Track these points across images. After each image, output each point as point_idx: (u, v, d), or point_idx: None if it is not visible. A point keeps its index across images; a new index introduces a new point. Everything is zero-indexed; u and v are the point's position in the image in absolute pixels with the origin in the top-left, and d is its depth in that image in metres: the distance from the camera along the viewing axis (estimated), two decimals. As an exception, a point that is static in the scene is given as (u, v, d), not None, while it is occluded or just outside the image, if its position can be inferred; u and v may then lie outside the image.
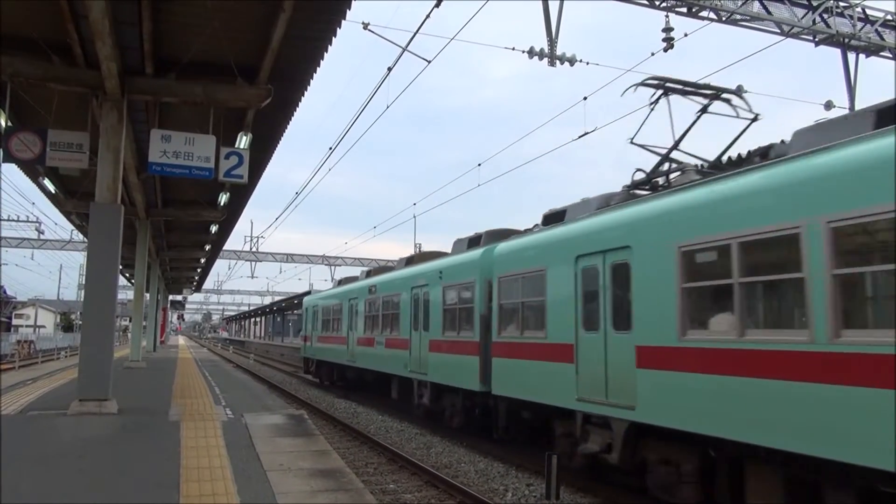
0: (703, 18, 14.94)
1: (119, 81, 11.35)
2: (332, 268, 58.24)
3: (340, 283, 26.70)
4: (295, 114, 14.66)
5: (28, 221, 43.28)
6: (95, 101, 12.01)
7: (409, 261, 19.71)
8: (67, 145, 12.18)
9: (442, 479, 10.52)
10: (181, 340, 77.60)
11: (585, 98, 15.59)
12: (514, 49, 15.15)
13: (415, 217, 37.06)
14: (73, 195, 20.57)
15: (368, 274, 23.26)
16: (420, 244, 45.62)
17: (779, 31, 15.58)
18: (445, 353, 14.81)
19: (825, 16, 15.70)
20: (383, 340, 19.04)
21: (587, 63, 15.44)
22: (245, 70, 11.95)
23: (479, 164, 24.50)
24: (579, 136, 15.83)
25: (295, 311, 79.20)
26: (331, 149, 20.05)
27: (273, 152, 17.38)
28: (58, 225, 46.17)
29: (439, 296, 15.22)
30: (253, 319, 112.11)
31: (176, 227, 28.72)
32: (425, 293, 16.13)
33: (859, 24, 15.99)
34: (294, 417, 11.70)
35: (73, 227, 36.56)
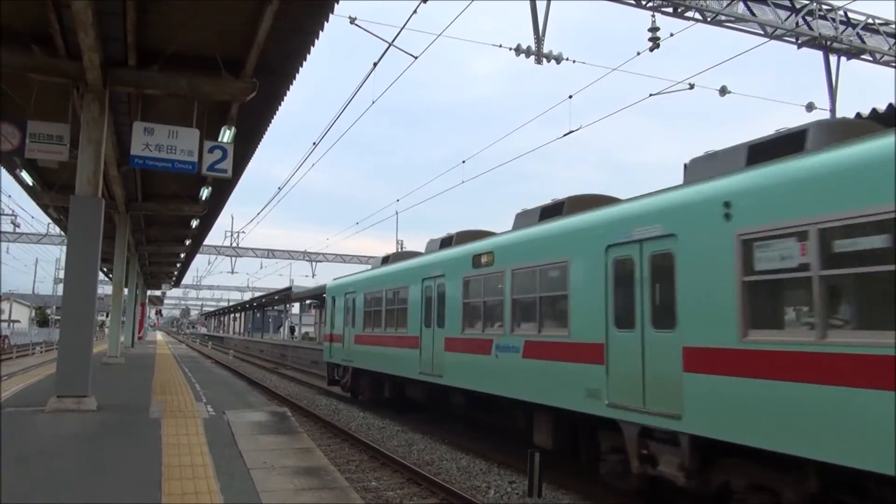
0: (688, 19, 15.04)
1: (101, 73, 11.17)
2: (314, 264, 58.02)
3: (388, 260, 18.92)
4: (280, 108, 14.54)
5: (4, 214, 42.63)
6: (76, 93, 11.82)
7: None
8: (47, 137, 11.99)
9: (424, 477, 10.49)
10: (159, 336, 76.95)
11: (571, 96, 15.61)
12: (500, 46, 15.16)
13: (397, 213, 36.99)
14: (51, 188, 20.25)
15: (447, 243, 15.17)
16: (402, 241, 45.53)
17: (762, 32, 15.72)
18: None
19: (808, 18, 15.86)
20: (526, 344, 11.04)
21: (573, 61, 15.50)
22: (230, 63, 11.81)
23: (464, 161, 24.43)
24: (564, 135, 15.86)
25: (275, 307, 78.80)
26: (314, 144, 19.98)
27: (257, 146, 17.24)
28: (34, 218, 45.49)
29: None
30: (233, 315, 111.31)
31: (156, 221, 28.40)
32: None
33: (841, 27, 16.17)
34: (277, 415, 11.61)
35: (50, 221, 36.04)
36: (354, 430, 15.15)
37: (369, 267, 21.45)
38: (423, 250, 16.87)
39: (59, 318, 27.19)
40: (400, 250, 19.46)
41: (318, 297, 55.16)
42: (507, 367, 11.20)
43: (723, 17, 15.48)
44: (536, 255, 10.80)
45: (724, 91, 16.52)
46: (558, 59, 15.51)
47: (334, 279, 22.98)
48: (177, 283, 63.82)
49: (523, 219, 12.12)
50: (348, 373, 20.25)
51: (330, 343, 22.02)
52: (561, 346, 9.88)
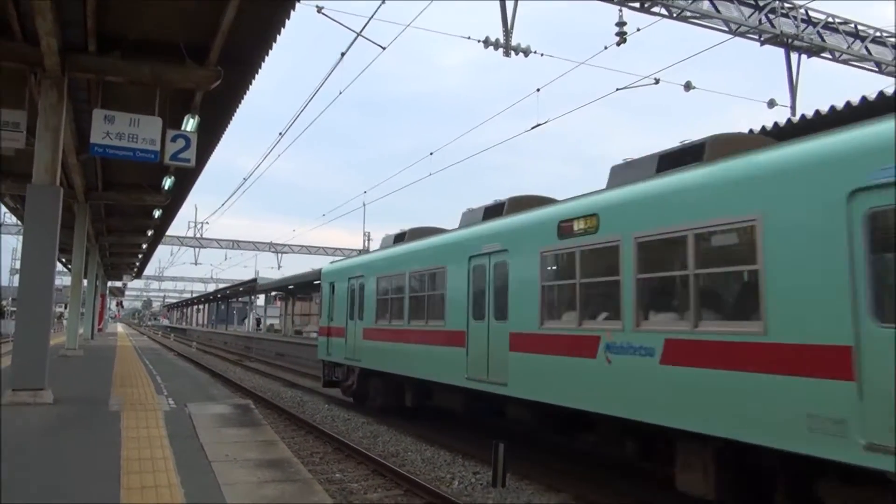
0: (655, 14, 15.19)
1: (60, 58, 10.88)
2: (279, 255, 57.55)
3: (404, 238, 15.46)
4: (245, 97, 14.34)
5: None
6: (34, 79, 11.51)
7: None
8: (3, 124, 11.67)
9: (388, 468, 10.49)
10: (120, 328, 75.65)
11: (539, 90, 15.69)
12: (469, 38, 15.15)
13: (364, 205, 36.78)
14: (7, 176, 19.71)
15: (496, 211, 12.20)
16: (369, 232, 45.38)
17: (727, 29, 15.95)
18: None
19: (770, 16, 16.13)
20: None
21: (541, 54, 15.56)
22: (194, 51, 11.61)
23: (432, 153, 24.43)
24: (532, 128, 15.94)
25: (239, 299, 77.99)
26: (280, 134, 19.79)
27: (222, 136, 16.98)
28: (-11, 206, 44.22)
29: None
30: (196, 307, 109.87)
31: (117, 211, 27.84)
32: None
33: (802, 26, 16.48)
34: (240, 407, 11.50)
35: (6, 210, 35.08)
36: (319, 422, 15.08)
37: (353, 253, 20.85)
38: (426, 235, 14.44)
39: (14, 309, 26.49)
40: (411, 228, 15.55)
41: (283, 289, 54.73)
42: (630, 376, 7.96)
43: (688, 14, 15.66)
44: (694, 212, 7.41)
45: (688, 86, 16.75)
46: (526, 52, 15.56)
47: (332, 262, 20.19)
48: (138, 275, 62.69)
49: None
50: (353, 374, 16.68)
51: (327, 338, 18.53)
52: (751, 350, 6.61)
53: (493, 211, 12.25)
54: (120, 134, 11.67)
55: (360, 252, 49.15)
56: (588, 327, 8.79)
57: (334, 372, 18.48)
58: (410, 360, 13.65)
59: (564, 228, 9.40)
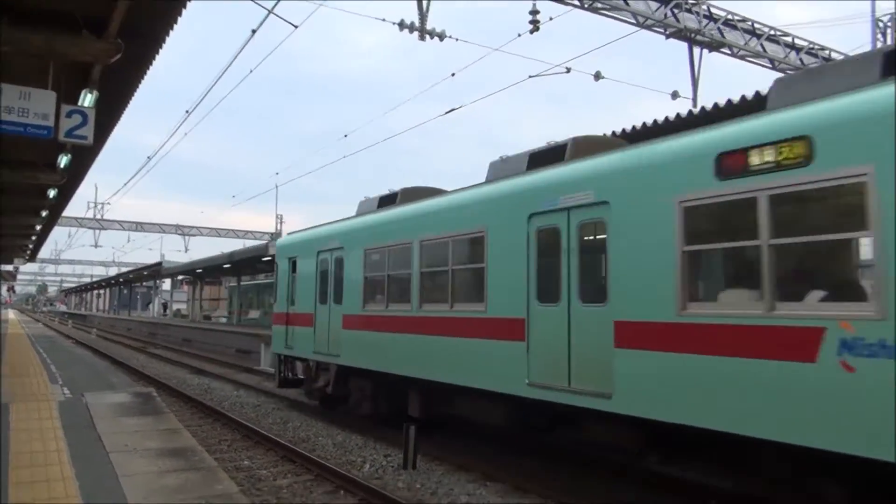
0: (567, 4, 15.44)
1: (-64, 23, 10.06)
2: (186, 238, 55.65)
3: (395, 200, 12.45)
4: (148, 72, 13.69)
5: None
6: None
7: None
8: None
9: (298, 454, 10.39)
10: (12, 315, 71.55)
11: (453, 74, 15.73)
12: (384, 20, 14.99)
13: (277, 187, 35.99)
14: None
15: (558, 154, 9.15)
16: (281, 215, 44.49)
17: (635, 21, 16.41)
18: None
19: (675, 11, 16.70)
20: None
21: (456, 39, 15.58)
22: (92, 22, 10.94)
23: (346, 135, 24.11)
24: (446, 112, 15.99)
25: (144, 284, 75.02)
26: (187, 112, 19.01)
27: (122, 112, 16.15)
28: None
29: None
30: (97, 292, 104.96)
31: (7, 190, 26.11)
32: None
33: (704, 21, 17.15)
34: (141, 395, 11.10)
35: None
36: (227, 409, 14.74)
37: (264, 237, 19.57)
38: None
39: None
40: (403, 188, 12.77)
41: (191, 273, 53.03)
42: None
43: (599, 5, 16.01)
44: None
45: (598, 76, 17.17)
46: (441, 37, 15.54)
47: (291, 233, 16.67)
48: (32, 258, 59.20)
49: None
50: (329, 373, 13.36)
51: (286, 327, 15.03)
52: None
53: (549, 156, 9.25)
54: (9, 108, 10.93)
55: (274, 235, 48.09)
56: (793, 313, 5.75)
57: (293, 368, 15.39)
58: (422, 356, 10.53)
59: (727, 163, 6.31)
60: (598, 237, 7.77)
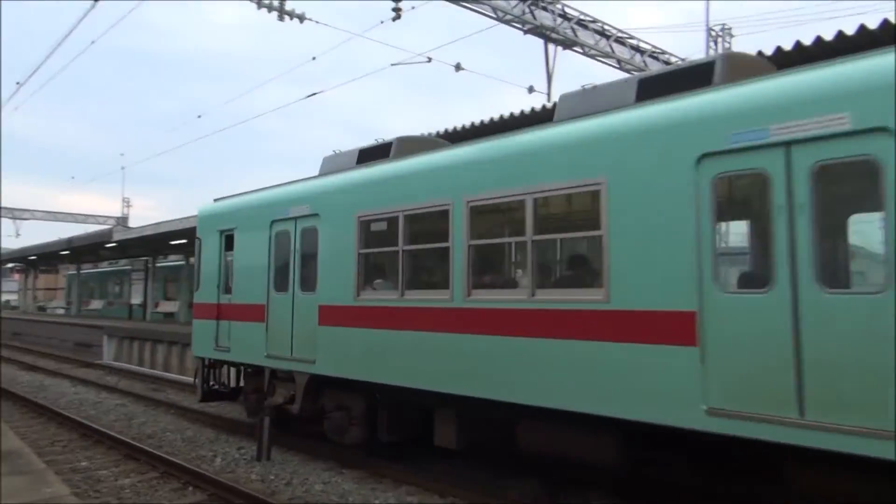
0: (429, -7, 15.50)
1: None
2: (17, 222, 50.95)
3: (379, 154, 9.57)
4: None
5: None
6: None
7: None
8: None
9: (142, 451, 9.83)
10: None
11: (314, 58, 15.44)
12: (242, -3, 14.41)
13: (123, 168, 33.78)
14: None
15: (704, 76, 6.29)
16: (129, 198, 41.79)
17: (495, 15, 16.78)
18: None
19: (532, 8, 17.25)
20: None
21: (316, 22, 15.27)
22: None
23: (199, 116, 22.98)
24: (308, 96, 15.67)
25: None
26: (18, 84, 17.36)
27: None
28: None
29: None
30: None
31: None
32: None
33: (559, 20, 17.84)
34: (-41, 394, 10.04)
35: None
36: (63, 407, 13.69)
37: (109, 222, 16.97)
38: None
39: None
40: (398, 137, 9.75)
41: (22, 261, 48.72)
42: None
43: (461, -3, 16.22)
44: None
45: (458, 67, 17.45)
46: (301, 18, 15.19)
47: (220, 199, 12.33)
48: None
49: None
50: (294, 386, 9.86)
51: (216, 322, 11.45)
52: None
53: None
54: None
55: (120, 220, 45.02)
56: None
57: (219, 377, 12.15)
58: (468, 364, 7.31)
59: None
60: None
